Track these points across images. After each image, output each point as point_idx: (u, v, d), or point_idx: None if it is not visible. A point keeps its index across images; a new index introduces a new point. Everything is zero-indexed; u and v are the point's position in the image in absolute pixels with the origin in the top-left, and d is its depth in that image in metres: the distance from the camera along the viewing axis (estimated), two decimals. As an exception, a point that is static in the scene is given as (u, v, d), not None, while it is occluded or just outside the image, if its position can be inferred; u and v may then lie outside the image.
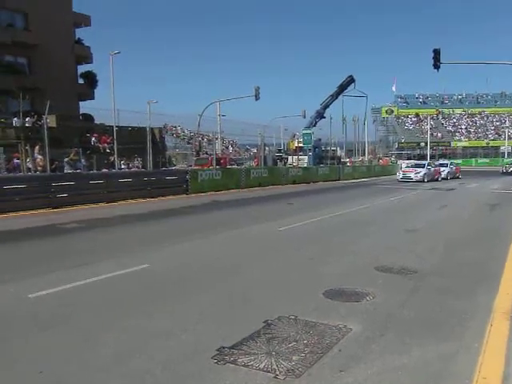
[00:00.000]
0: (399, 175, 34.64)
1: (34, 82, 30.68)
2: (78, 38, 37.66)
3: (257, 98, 37.12)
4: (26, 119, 26.92)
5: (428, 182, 32.14)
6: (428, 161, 43.71)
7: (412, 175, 32.91)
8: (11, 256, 8.16)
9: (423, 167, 34.35)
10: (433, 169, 35.28)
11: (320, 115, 52.03)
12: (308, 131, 46.04)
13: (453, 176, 37.61)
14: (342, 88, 52.72)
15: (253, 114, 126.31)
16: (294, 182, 28.63)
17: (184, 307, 5.31)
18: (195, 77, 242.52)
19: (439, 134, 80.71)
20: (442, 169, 36.34)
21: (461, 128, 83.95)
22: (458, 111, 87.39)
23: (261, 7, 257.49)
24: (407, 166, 37.25)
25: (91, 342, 4.33)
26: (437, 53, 25.47)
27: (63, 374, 3.71)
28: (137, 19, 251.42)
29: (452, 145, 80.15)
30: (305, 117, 51.39)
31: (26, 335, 4.48)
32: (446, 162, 41.70)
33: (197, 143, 46.13)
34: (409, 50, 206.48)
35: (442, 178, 35.48)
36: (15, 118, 27.10)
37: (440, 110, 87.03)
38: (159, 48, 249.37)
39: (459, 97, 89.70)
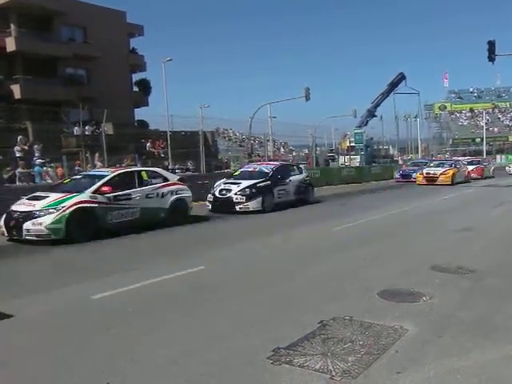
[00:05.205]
0: None
1: (92, 91, 32.00)
2: (133, 48, 39.06)
3: (307, 98, 36.87)
4: (86, 128, 27.95)
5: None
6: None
7: None
8: (74, 259, 8.59)
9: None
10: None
11: (371, 114, 51.30)
12: (359, 130, 45.50)
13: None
14: (393, 85, 51.75)
15: (303, 115, 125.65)
16: (346, 182, 28.32)
17: (240, 307, 5.42)
18: (247, 78, 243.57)
19: (495, 129, 77.43)
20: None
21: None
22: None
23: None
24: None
25: (150, 342, 4.46)
26: (491, 45, 24.47)
27: (125, 373, 3.84)
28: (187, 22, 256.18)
29: (510, 139, 76.66)
30: (355, 116, 50.60)
31: (91, 335, 4.67)
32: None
33: (249, 146, 46.40)
34: (461, 42, 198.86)
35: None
36: (76, 127, 28.20)
37: (496, 103, 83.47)
38: (208, 52, 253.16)
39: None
